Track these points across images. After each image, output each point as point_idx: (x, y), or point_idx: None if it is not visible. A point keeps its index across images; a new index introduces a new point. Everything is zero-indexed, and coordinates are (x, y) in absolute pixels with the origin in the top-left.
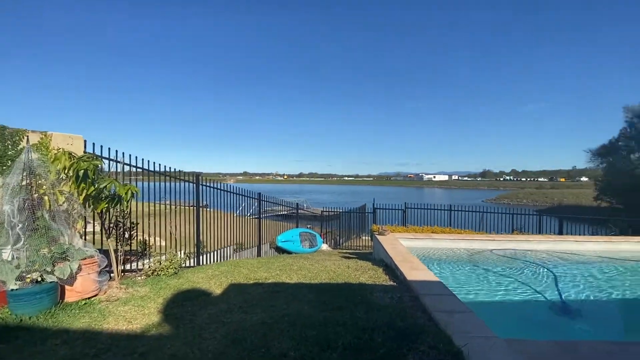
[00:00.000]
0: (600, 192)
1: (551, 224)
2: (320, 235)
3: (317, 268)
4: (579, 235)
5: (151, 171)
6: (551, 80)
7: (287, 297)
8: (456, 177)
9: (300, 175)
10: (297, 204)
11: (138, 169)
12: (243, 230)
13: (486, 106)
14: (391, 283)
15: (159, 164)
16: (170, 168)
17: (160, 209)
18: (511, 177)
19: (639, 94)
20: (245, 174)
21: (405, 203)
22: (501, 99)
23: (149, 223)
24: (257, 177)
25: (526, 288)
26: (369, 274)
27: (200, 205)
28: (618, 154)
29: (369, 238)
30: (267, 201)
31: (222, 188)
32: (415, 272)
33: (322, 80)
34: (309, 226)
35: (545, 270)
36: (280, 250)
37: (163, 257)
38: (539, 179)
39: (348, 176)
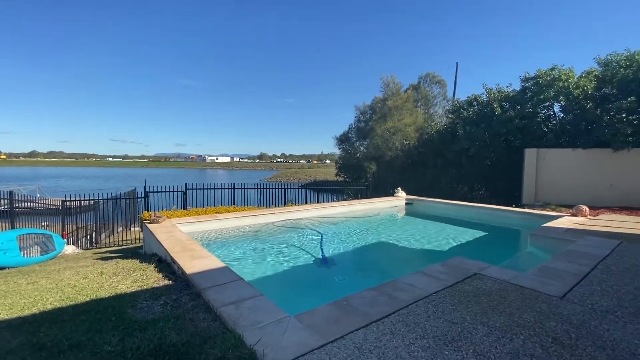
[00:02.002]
0: (338, 170)
1: (312, 195)
2: (62, 235)
3: (43, 287)
4: (332, 202)
5: None
6: (302, 79)
7: None
8: (237, 159)
9: (33, 154)
10: (11, 192)
11: None
12: None
13: (257, 97)
14: (165, 282)
15: None
16: None
17: None
18: (282, 160)
19: (371, 93)
20: None
21: (186, 184)
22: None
23: None
24: None
25: (302, 253)
26: (133, 278)
27: None
28: (349, 142)
29: (141, 229)
30: None
31: None
32: (197, 261)
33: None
34: (44, 225)
35: (314, 233)
36: None
37: None
38: (301, 161)
39: (114, 156)
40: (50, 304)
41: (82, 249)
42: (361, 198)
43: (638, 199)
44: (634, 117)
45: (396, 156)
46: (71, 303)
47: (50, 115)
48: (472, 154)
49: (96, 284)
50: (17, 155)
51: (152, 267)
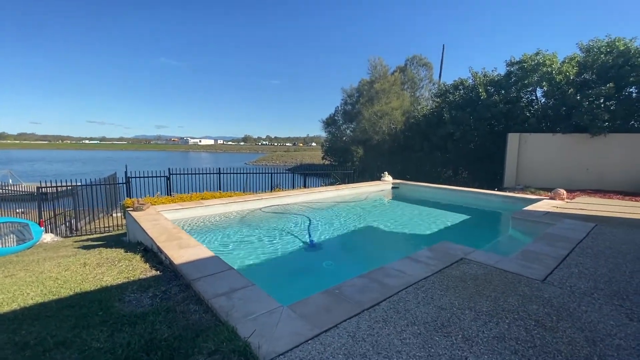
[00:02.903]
0: (325, 153)
1: (299, 179)
2: (40, 223)
3: (23, 280)
4: (320, 187)
5: None
6: (289, 61)
7: None
8: (221, 142)
9: (2, 135)
10: None
11: None
12: None
13: (241, 77)
14: (153, 273)
15: None
16: None
17: None
18: (267, 142)
19: (357, 77)
20: None
21: (170, 169)
22: (252, 73)
23: None
24: None
25: (291, 237)
26: (118, 269)
27: None
28: (336, 125)
29: (123, 216)
30: None
31: None
32: (184, 251)
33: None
34: (19, 212)
35: (303, 218)
36: None
37: None
38: (287, 144)
39: (90, 139)
40: (32, 298)
41: (62, 237)
42: (348, 182)
43: (610, 182)
44: (611, 103)
45: (383, 140)
46: (54, 297)
47: (19, 95)
48: (457, 137)
49: (80, 276)
50: None
51: (138, 257)
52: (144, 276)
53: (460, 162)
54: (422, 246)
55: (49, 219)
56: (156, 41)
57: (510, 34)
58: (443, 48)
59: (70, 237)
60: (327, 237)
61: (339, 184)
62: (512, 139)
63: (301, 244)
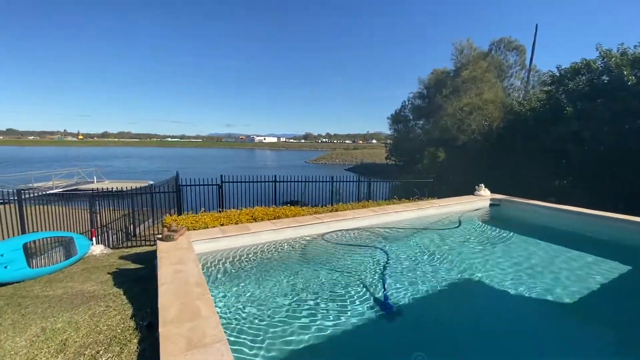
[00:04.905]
0: (389, 153)
1: (363, 187)
2: (91, 233)
3: None
4: (394, 203)
5: None
6: (347, 57)
7: None
8: (284, 139)
9: (105, 134)
10: (20, 191)
11: None
12: None
13: (303, 76)
14: None
15: None
16: None
17: None
18: (326, 140)
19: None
20: (11, 132)
21: (222, 176)
22: (314, 71)
23: None
24: (32, 138)
25: (359, 291)
26: None
27: None
28: (404, 122)
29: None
30: None
31: None
32: (192, 356)
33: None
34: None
35: (376, 252)
36: None
37: None
38: (346, 141)
39: (172, 136)
40: None
41: (113, 247)
42: (429, 196)
43: None
44: None
45: (471, 140)
46: None
47: (120, 100)
48: (586, 137)
49: None
50: (92, 136)
51: (134, 342)
52: None
53: (585, 171)
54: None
55: (104, 226)
56: (221, 43)
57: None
58: (536, 28)
59: (120, 248)
60: (411, 292)
61: (418, 198)
62: None
63: (372, 305)
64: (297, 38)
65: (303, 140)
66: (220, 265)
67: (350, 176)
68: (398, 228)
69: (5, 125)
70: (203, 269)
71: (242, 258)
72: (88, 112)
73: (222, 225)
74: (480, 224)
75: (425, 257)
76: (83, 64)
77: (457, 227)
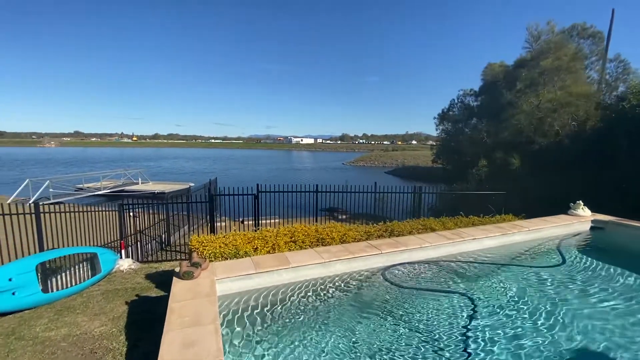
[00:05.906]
0: (436, 156)
1: (411, 199)
2: (120, 245)
3: None
4: (468, 226)
5: None
6: (384, 59)
7: None
8: (321, 140)
9: (156, 136)
10: (37, 204)
11: None
12: None
13: (337, 76)
14: None
15: None
16: None
17: None
18: (363, 140)
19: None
20: (77, 134)
21: (258, 185)
22: (349, 71)
23: None
24: (95, 139)
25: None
26: None
27: None
28: (453, 121)
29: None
30: None
31: None
32: None
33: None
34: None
35: (456, 298)
36: None
37: None
38: (384, 142)
39: (215, 138)
40: None
41: (143, 260)
42: (505, 213)
43: None
44: None
45: (552, 144)
46: None
47: (169, 103)
48: None
49: None
50: (144, 138)
51: None
52: None
53: None
54: None
55: (137, 233)
56: (257, 48)
57: None
58: (612, 13)
59: (149, 262)
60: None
61: (494, 215)
62: None
63: None
64: (338, 40)
65: (339, 142)
66: (251, 315)
67: (395, 184)
68: (476, 258)
69: (72, 128)
70: (225, 321)
71: (279, 304)
72: (141, 115)
73: (255, 249)
74: (589, 258)
75: (519, 304)
76: (138, 70)
77: (561, 264)
